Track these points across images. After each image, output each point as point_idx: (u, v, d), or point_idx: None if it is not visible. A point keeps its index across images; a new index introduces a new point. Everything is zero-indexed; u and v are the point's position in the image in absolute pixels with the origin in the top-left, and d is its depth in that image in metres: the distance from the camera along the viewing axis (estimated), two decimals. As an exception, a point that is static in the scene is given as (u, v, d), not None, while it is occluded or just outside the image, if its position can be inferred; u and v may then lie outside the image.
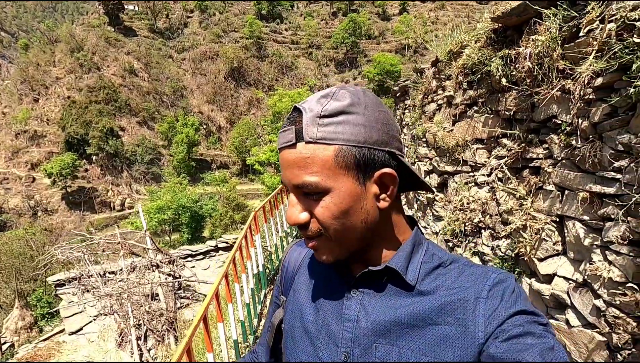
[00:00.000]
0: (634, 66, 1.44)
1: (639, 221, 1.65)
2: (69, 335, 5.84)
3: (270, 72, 54.32)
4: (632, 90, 1.52)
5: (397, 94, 5.60)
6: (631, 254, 1.72)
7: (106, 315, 5.96)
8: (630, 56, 1.46)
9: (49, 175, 49.75)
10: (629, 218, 1.70)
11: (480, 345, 0.50)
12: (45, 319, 14.41)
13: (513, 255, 2.64)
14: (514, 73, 2.42)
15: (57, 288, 6.75)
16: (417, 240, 0.61)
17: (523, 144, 2.50)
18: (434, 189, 2.31)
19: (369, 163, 0.54)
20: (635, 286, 1.73)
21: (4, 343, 10.66)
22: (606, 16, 1.56)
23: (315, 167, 0.53)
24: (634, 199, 1.62)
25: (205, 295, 6.43)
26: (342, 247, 0.58)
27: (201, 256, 8.29)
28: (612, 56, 1.57)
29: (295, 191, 0.57)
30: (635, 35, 1.41)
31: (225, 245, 8.75)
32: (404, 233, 0.62)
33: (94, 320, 6.02)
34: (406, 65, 43.26)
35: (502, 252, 2.78)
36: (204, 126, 57.56)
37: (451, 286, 0.56)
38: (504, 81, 2.48)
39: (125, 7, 58.76)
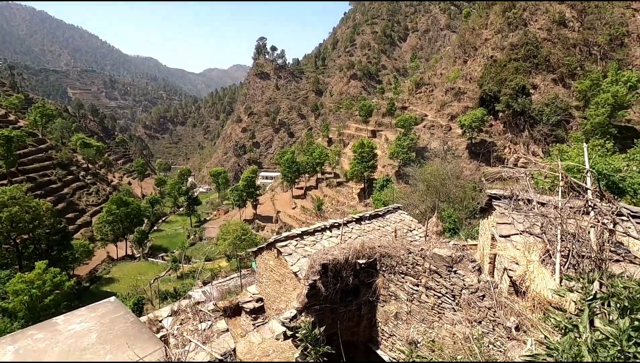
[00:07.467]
0: None
1: None
2: (499, 237, 7.03)
3: None
4: None
5: None
6: None
7: (532, 234, 6.61)
8: None
9: (461, 126, 58.68)
10: None
11: None
12: (451, 232, 18.24)
13: None
14: None
15: (493, 200, 8.24)
16: None
17: None
18: None
19: None
20: None
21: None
22: None
23: None
24: None
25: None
26: None
27: None
28: None
29: None
30: None
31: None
32: None
33: (520, 234, 6.84)
34: None
35: None
36: (645, 84, 44.66)
37: None
38: None
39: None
